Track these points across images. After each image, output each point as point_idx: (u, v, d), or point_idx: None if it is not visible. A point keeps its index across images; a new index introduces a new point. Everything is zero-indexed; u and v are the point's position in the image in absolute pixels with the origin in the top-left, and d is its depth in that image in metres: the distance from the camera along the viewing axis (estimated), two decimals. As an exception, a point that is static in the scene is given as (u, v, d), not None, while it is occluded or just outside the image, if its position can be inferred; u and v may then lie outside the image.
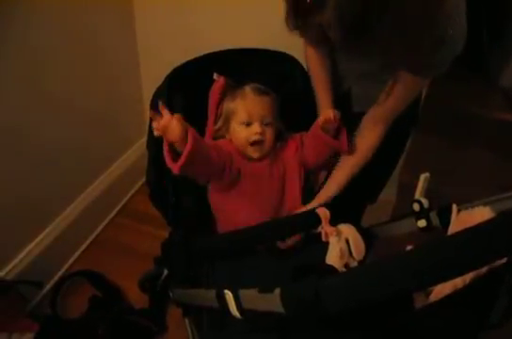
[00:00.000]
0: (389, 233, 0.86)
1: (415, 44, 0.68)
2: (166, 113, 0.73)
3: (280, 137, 0.95)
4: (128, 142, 1.65)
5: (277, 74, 1.00)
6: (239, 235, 0.83)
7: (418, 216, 0.76)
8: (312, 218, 0.83)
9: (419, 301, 0.53)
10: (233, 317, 0.57)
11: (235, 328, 0.70)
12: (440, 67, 0.76)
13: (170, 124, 0.73)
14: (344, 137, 0.90)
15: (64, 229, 1.34)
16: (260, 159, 0.92)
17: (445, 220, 0.70)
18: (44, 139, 1.20)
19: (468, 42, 0.73)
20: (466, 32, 0.70)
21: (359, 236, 0.80)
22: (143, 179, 1.54)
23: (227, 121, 0.92)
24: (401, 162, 1.38)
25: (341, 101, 0.95)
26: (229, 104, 0.91)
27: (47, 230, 1.30)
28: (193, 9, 1.35)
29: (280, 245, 0.89)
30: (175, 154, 0.76)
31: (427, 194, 0.78)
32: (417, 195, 0.77)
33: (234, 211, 0.91)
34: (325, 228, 0.81)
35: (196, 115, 0.92)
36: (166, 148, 0.76)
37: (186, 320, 1.01)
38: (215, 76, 0.94)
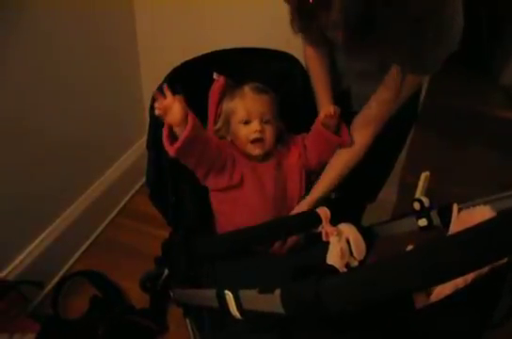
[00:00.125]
0: (389, 232, 0.86)
1: (417, 43, 0.68)
2: (169, 94, 0.75)
3: (281, 139, 0.95)
4: (128, 142, 1.64)
5: (276, 74, 1.00)
6: (240, 236, 0.83)
7: (419, 215, 0.76)
8: (313, 218, 0.83)
9: (420, 301, 0.53)
10: (234, 318, 0.57)
11: (236, 328, 0.69)
12: (435, 65, 0.76)
13: (173, 105, 0.75)
14: (344, 132, 0.90)
15: (65, 229, 1.34)
16: (264, 160, 0.91)
17: (446, 220, 0.70)
18: (44, 140, 1.20)
19: (467, 40, 0.74)
20: (462, 31, 0.71)
21: (359, 236, 0.80)
22: (143, 179, 1.54)
23: (226, 120, 0.92)
24: (402, 161, 1.38)
25: (340, 100, 0.95)
26: (228, 104, 0.91)
27: (48, 230, 1.30)
28: (193, 9, 1.35)
29: (274, 249, 0.89)
30: (174, 139, 0.78)
31: (428, 193, 0.78)
32: (417, 194, 0.77)
33: (235, 214, 0.91)
34: (325, 228, 0.81)
35: (196, 115, 0.92)
36: (165, 130, 0.78)
37: (187, 320, 1.00)
38: (214, 76, 0.94)
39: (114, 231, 1.55)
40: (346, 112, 0.93)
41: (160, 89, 0.78)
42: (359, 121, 0.91)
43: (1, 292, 1.09)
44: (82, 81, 1.29)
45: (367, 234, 0.83)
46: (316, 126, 0.91)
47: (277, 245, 0.89)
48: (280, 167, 0.93)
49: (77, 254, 1.44)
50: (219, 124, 0.93)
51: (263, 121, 0.88)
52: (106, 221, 1.57)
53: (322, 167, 0.97)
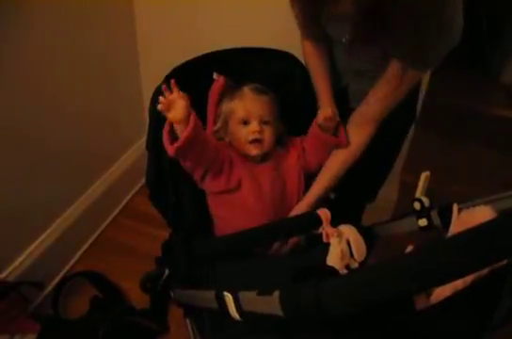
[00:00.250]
0: (389, 232, 0.86)
1: (419, 39, 0.69)
2: (176, 90, 0.75)
3: (280, 141, 0.95)
4: (128, 142, 1.64)
5: (277, 74, 0.99)
6: (240, 237, 0.83)
7: (419, 215, 0.76)
8: (313, 219, 0.82)
9: (420, 303, 0.52)
10: (233, 319, 0.57)
11: (235, 329, 0.69)
12: (435, 60, 0.76)
13: (177, 101, 0.74)
14: (342, 133, 0.89)
15: (65, 230, 1.34)
16: (262, 161, 0.91)
17: (446, 220, 0.69)
18: (44, 140, 1.20)
19: (467, 39, 0.74)
20: (461, 29, 0.71)
21: (360, 237, 0.80)
22: (143, 179, 1.53)
23: (225, 121, 0.91)
24: (402, 160, 1.38)
25: (338, 97, 0.95)
26: (227, 105, 0.91)
27: (48, 231, 1.30)
28: (193, 9, 1.34)
29: (274, 250, 0.89)
30: (173, 138, 0.77)
31: (428, 193, 0.77)
32: (418, 194, 0.77)
33: (233, 217, 0.91)
34: (326, 229, 0.81)
35: (196, 115, 0.92)
36: (166, 128, 0.77)
37: (187, 320, 1.00)
38: (214, 76, 0.94)
39: (114, 231, 1.55)
40: (344, 109, 0.93)
41: (167, 84, 0.77)
42: (356, 119, 0.90)
43: (1, 293, 1.09)
44: (81, 81, 1.29)
45: (367, 234, 0.83)
46: (314, 129, 0.91)
47: (276, 245, 0.89)
48: (278, 168, 0.92)
49: (77, 255, 1.44)
50: (218, 125, 0.93)
51: (262, 122, 0.88)
52: (107, 222, 1.57)
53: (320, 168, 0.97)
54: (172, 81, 0.76)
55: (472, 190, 1.52)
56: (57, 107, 1.22)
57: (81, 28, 1.23)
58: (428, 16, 0.66)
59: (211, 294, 0.61)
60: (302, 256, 0.86)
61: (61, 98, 1.23)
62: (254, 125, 0.87)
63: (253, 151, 0.88)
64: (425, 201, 0.75)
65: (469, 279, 0.48)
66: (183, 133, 0.76)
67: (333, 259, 0.76)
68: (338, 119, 0.88)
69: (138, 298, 1.28)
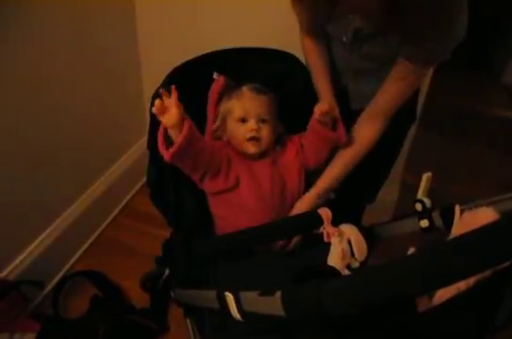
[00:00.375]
0: (391, 232, 0.86)
1: (430, 31, 0.71)
2: (174, 96, 0.75)
3: (279, 140, 0.94)
4: (129, 142, 1.64)
5: (277, 73, 0.99)
6: (241, 236, 0.83)
7: (420, 216, 0.76)
8: (314, 219, 0.82)
9: (422, 304, 0.52)
10: (234, 319, 0.57)
11: (236, 329, 0.69)
12: (441, 56, 0.77)
13: (171, 108, 0.74)
14: (341, 128, 0.89)
15: (65, 229, 1.34)
16: (260, 158, 0.91)
17: (448, 221, 0.69)
18: (45, 140, 1.20)
19: (470, 39, 0.74)
20: (467, 23, 0.72)
21: (361, 237, 0.80)
22: (144, 179, 1.53)
23: (224, 120, 0.91)
24: (403, 160, 1.38)
25: (338, 97, 0.95)
26: (225, 104, 0.91)
27: (48, 230, 1.30)
28: (193, 10, 1.34)
29: (278, 246, 0.89)
30: (169, 143, 0.78)
31: (429, 193, 0.77)
32: (419, 195, 0.77)
33: (233, 217, 0.90)
34: (327, 228, 0.81)
35: (196, 115, 0.92)
36: (161, 133, 0.78)
37: (188, 320, 1.00)
38: (215, 76, 0.94)
39: (114, 231, 1.55)
40: (344, 110, 0.93)
41: (168, 89, 0.77)
42: (365, 115, 0.90)
43: (1, 292, 1.09)
44: (82, 81, 1.29)
45: (368, 234, 0.83)
46: (312, 124, 0.91)
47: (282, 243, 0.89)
48: (276, 164, 0.92)
49: (78, 254, 1.44)
50: (217, 124, 0.93)
51: (259, 121, 0.88)
52: (107, 221, 1.57)
53: (320, 165, 0.97)
54: (173, 87, 0.76)
55: (473, 191, 1.52)
56: (58, 107, 1.22)
57: (82, 28, 1.23)
58: (437, 12, 0.67)
59: (212, 294, 0.61)
60: (303, 256, 0.86)
61: (62, 98, 1.22)
62: (252, 123, 0.87)
63: (251, 148, 0.88)
64: (427, 201, 0.75)
65: (471, 280, 0.48)
66: (177, 139, 0.76)
67: (334, 259, 0.76)
68: (337, 114, 0.88)
69: (138, 298, 1.28)
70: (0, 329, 1.08)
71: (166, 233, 0.98)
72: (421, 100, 1.23)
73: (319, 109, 0.85)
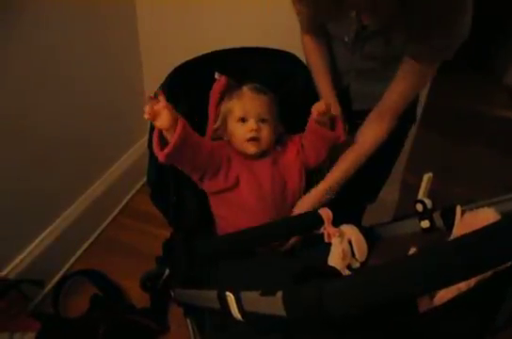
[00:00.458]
0: (392, 233, 0.86)
1: (436, 29, 0.71)
2: (162, 100, 0.75)
3: (279, 140, 0.94)
4: (129, 142, 1.64)
5: (277, 73, 0.99)
6: (241, 236, 0.83)
7: (421, 216, 0.76)
8: (315, 219, 0.82)
9: (423, 305, 0.52)
10: (235, 319, 0.57)
11: (237, 329, 0.69)
12: (447, 54, 0.77)
13: (162, 112, 0.75)
14: (339, 127, 0.89)
15: (65, 228, 1.34)
16: (260, 157, 0.91)
17: (449, 222, 0.69)
18: (45, 139, 1.20)
19: (471, 39, 0.74)
20: (471, 21, 0.72)
21: (361, 237, 0.80)
22: (144, 179, 1.53)
23: (224, 120, 0.91)
24: (404, 161, 1.38)
25: (340, 98, 0.95)
26: (226, 104, 0.91)
27: (48, 229, 1.30)
28: (195, 9, 1.34)
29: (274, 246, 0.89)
30: (164, 143, 0.78)
31: (431, 194, 0.77)
32: (420, 195, 0.77)
33: (234, 217, 0.90)
34: (327, 229, 0.81)
35: (197, 114, 0.92)
36: (155, 135, 0.78)
37: (188, 320, 1.00)
38: (216, 75, 0.93)
39: (115, 230, 1.55)
40: (346, 111, 0.93)
41: (155, 95, 0.78)
42: (374, 114, 0.91)
43: (1, 291, 1.09)
44: (83, 80, 1.29)
45: (369, 235, 0.83)
46: (310, 124, 0.91)
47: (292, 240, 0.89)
48: (277, 163, 0.92)
49: (78, 253, 1.44)
50: (218, 124, 0.93)
51: (259, 121, 0.88)
52: (107, 221, 1.57)
53: (319, 164, 0.97)
54: (160, 91, 0.77)
55: (473, 191, 1.52)
56: (58, 107, 1.22)
57: (83, 29, 1.23)
58: (444, 10, 0.67)
59: (213, 294, 0.61)
60: (304, 256, 0.86)
61: (62, 97, 1.22)
62: (251, 123, 0.87)
63: (251, 148, 0.88)
64: (428, 202, 0.75)
65: (472, 281, 0.47)
66: (172, 138, 0.76)
67: (335, 259, 0.76)
68: (337, 113, 0.88)
69: (139, 297, 1.28)
70: (0, 328, 1.08)
71: (166, 232, 0.98)
72: (422, 100, 1.23)
73: (316, 109, 0.85)
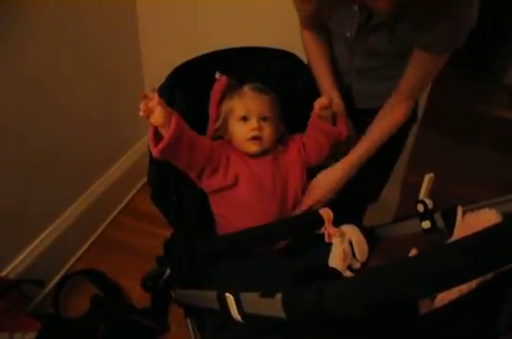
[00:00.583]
0: (392, 233, 0.86)
1: (444, 21, 0.71)
2: (156, 97, 0.76)
3: (281, 140, 0.94)
4: (129, 142, 1.64)
5: (278, 73, 0.99)
6: (242, 236, 0.83)
7: (422, 217, 0.76)
8: (315, 219, 0.82)
9: (424, 307, 0.52)
10: (235, 320, 0.57)
11: (237, 330, 0.69)
12: (455, 42, 0.77)
13: (155, 108, 0.76)
14: (341, 122, 0.89)
15: (66, 228, 1.34)
16: (261, 156, 0.90)
17: (450, 222, 0.69)
18: (45, 140, 1.20)
19: (471, 38, 0.74)
20: (477, 11, 0.72)
21: (362, 238, 0.79)
22: (144, 178, 1.54)
23: (225, 120, 0.91)
24: (405, 160, 1.38)
25: (343, 97, 0.94)
26: (227, 104, 0.90)
27: (48, 229, 1.30)
28: (194, 10, 1.34)
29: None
30: (159, 139, 0.78)
31: (432, 195, 0.77)
32: (421, 195, 0.76)
33: (234, 216, 0.90)
34: (328, 229, 0.81)
35: (197, 114, 0.92)
36: (150, 131, 0.78)
37: (188, 320, 1.00)
38: (217, 75, 0.93)
39: (115, 230, 1.55)
40: (350, 109, 0.92)
41: (159, 91, 0.79)
42: (392, 99, 0.90)
43: (2, 291, 1.09)
44: (83, 81, 1.29)
45: (370, 235, 0.83)
46: (312, 119, 0.90)
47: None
48: (278, 162, 0.91)
49: (78, 253, 1.44)
50: (218, 123, 0.93)
51: (261, 119, 0.87)
52: (108, 220, 1.57)
53: (321, 162, 0.96)
54: (154, 88, 0.78)
55: (473, 191, 1.52)
56: (58, 107, 1.22)
57: (83, 29, 1.23)
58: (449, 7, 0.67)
59: (212, 294, 0.61)
60: (304, 256, 0.86)
61: (63, 97, 1.22)
62: (253, 122, 0.87)
63: (252, 148, 0.88)
64: (429, 203, 0.75)
65: (474, 283, 0.47)
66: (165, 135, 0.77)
67: (335, 259, 0.76)
68: (339, 109, 0.88)
69: (139, 297, 1.28)
70: (0, 328, 1.08)
71: (167, 232, 0.98)
72: (422, 100, 1.23)
73: (318, 104, 0.85)
